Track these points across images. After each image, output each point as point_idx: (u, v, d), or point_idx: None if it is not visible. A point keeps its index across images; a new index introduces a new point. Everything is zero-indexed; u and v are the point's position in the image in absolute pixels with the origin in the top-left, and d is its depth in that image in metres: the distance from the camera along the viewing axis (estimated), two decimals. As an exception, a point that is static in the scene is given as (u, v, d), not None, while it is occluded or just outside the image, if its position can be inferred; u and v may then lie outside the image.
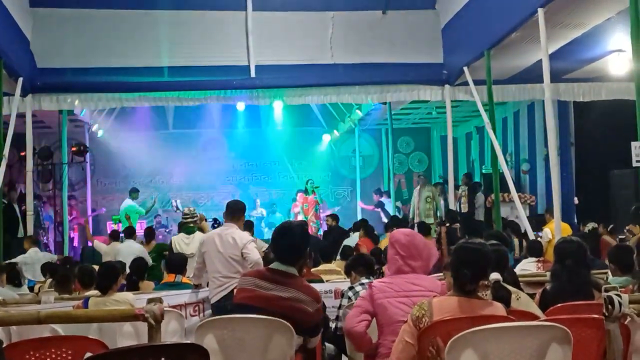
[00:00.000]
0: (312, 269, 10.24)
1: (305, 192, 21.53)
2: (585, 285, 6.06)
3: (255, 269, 7.06)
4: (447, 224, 14.91)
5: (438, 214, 19.11)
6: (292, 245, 5.58)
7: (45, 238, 17.68)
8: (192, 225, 11.48)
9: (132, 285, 9.49)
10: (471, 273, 4.65)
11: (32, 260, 13.04)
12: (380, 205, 21.81)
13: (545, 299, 6.08)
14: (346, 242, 13.84)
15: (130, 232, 14.54)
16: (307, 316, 5.38)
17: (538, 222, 14.74)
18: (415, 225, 16.16)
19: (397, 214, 20.81)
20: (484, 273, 4.75)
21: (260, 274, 5.64)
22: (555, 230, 11.21)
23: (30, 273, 12.33)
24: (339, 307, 7.02)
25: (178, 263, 9.48)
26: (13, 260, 11.98)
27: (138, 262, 10.58)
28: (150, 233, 15.00)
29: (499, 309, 4.69)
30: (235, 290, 6.00)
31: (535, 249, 10.39)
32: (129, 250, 13.62)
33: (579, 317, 5.11)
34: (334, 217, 17.50)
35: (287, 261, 5.52)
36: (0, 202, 12.81)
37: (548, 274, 6.80)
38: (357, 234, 14.71)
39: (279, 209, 23.26)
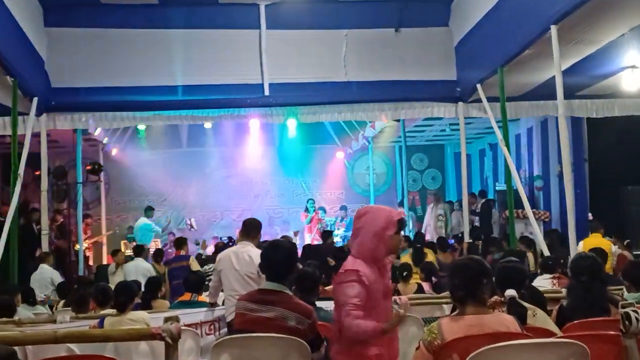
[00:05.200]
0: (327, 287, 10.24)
1: (306, 210, 21.63)
2: (601, 300, 6.06)
3: None
4: (470, 241, 14.93)
5: (448, 231, 19.12)
6: (281, 262, 5.57)
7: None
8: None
9: (145, 304, 9.50)
10: (478, 287, 4.66)
11: (40, 276, 13.14)
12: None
13: (561, 315, 6.07)
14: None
15: (139, 251, 14.60)
16: (298, 333, 5.31)
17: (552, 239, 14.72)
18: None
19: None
20: (485, 286, 4.73)
21: (250, 296, 5.63)
22: (570, 245, 11.15)
23: (38, 289, 12.41)
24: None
25: (195, 282, 9.50)
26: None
27: (152, 280, 10.62)
28: (159, 254, 15.09)
29: (508, 320, 4.67)
30: None
31: (549, 266, 10.33)
32: (137, 269, 13.70)
33: (597, 334, 5.10)
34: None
35: (276, 279, 5.52)
36: (16, 222, 12.83)
37: (564, 290, 6.79)
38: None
39: (292, 226, 23.27)
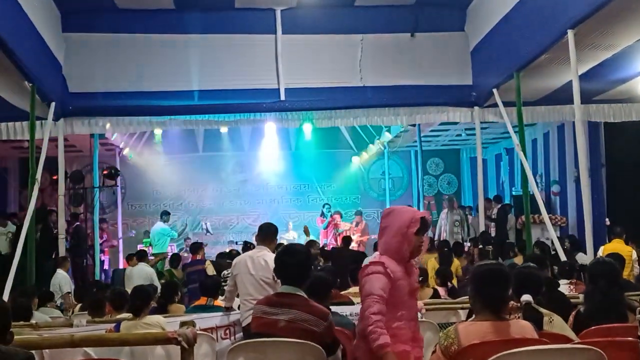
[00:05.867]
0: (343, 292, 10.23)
1: (322, 215, 21.63)
2: (618, 305, 6.03)
3: None
4: (480, 246, 14.85)
5: (465, 236, 19.07)
6: (296, 267, 5.57)
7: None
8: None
9: (161, 308, 9.52)
10: (498, 293, 4.65)
11: (54, 281, 13.20)
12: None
13: (578, 321, 6.04)
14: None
15: (141, 256, 14.64)
16: (314, 336, 5.30)
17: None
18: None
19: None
20: (506, 292, 4.75)
21: (267, 299, 5.63)
22: (587, 251, 11.10)
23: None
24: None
25: (211, 286, 9.52)
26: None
27: (168, 284, 10.65)
28: (177, 258, 15.12)
29: (526, 327, 4.67)
30: None
31: (566, 271, 10.28)
32: (140, 274, 13.73)
33: (614, 340, 5.08)
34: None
35: (292, 282, 5.52)
36: (33, 225, 12.89)
37: (581, 295, 6.77)
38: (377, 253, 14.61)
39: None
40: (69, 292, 13.00)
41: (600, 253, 11.57)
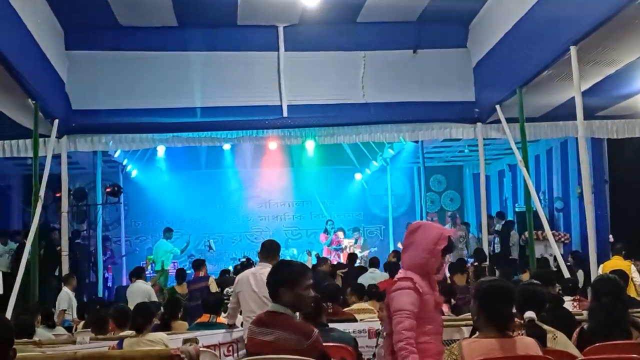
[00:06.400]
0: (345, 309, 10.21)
1: (326, 232, 21.62)
2: (622, 322, 6.01)
3: None
4: (475, 263, 14.81)
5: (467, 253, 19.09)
6: (280, 282, 5.28)
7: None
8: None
9: (165, 325, 9.49)
10: (502, 310, 4.64)
11: (60, 298, 13.17)
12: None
13: (582, 338, 6.02)
14: (368, 279, 13.62)
15: (138, 273, 14.61)
16: (300, 354, 5.10)
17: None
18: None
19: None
20: (510, 309, 4.75)
21: (257, 319, 5.47)
22: (591, 267, 11.07)
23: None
24: (376, 346, 6.96)
25: (213, 303, 9.50)
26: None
27: (171, 301, 10.63)
28: (182, 274, 15.08)
29: (530, 344, 4.66)
30: None
31: (570, 288, 10.25)
32: (137, 292, 13.69)
33: (618, 357, 5.06)
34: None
35: (278, 300, 5.27)
36: (37, 243, 12.89)
37: (585, 312, 6.75)
38: (375, 270, 14.59)
39: (312, 248, 23.25)
40: (64, 310, 12.95)
41: (600, 271, 11.53)
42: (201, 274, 14.69)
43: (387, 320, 5.16)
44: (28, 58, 12.16)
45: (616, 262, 12.58)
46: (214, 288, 13.39)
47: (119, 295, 16.73)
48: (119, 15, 14.64)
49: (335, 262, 18.86)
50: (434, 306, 5.14)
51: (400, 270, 5.27)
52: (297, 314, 5.34)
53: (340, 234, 21.73)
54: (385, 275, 13.54)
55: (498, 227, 18.58)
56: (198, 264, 15.01)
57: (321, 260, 16.00)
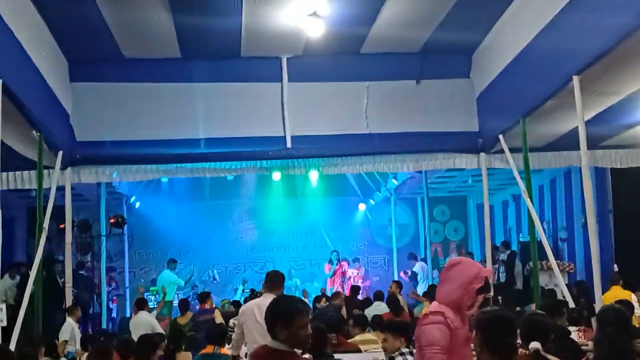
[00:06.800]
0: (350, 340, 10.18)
1: (330, 262, 21.60)
2: (626, 352, 5.97)
3: None
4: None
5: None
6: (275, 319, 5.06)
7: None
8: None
9: (169, 356, 9.46)
10: (506, 340, 4.63)
11: (63, 329, 13.14)
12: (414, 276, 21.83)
13: (588, 369, 6.00)
14: (373, 312, 13.61)
15: (141, 304, 14.57)
16: None
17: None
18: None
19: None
20: (514, 339, 4.74)
21: (253, 353, 5.37)
22: (595, 297, 11.03)
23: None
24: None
25: (217, 334, 9.48)
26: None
27: (175, 332, 10.60)
28: (185, 305, 15.04)
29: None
30: None
31: (574, 318, 10.21)
32: (140, 323, 13.65)
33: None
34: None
35: (272, 335, 5.09)
36: (40, 274, 12.87)
37: (590, 342, 6.72)
38: (381, 304, 14.57)
39: (316, 278, 23.23)
40: (65, 341, 12.92)
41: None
42: (207, 306, 14.65)
43: (417, 351, 5.26)
44: (33, 90, 12.20)
45: (616, 293, 12.55)
46: (219, 320, 13.36)
47: (122, 327, 16.68)
48: (123, 47, 14.70)
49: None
50: (464, 340, 5.18)
51: (433, 303, 5.36)
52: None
53: (345, 264, 21.72)
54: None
55: (503, 256, 18.51)
56: (204, 297, 14.98)
57: (335, 294, 15.94)
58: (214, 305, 15.34)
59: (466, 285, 5.18)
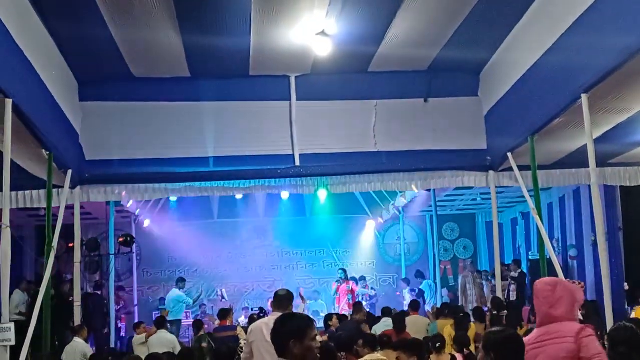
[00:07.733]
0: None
1: (339, 281, 21.56)
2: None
3: None
4: (494, 312, 14.65)
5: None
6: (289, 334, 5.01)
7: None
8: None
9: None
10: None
11: (71, 349, 13.14)
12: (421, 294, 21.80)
13: (600, 389, 5.95)
14: (382, 327, 13.52)
15: (160, 323, 14.56)
16: None
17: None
18: (470, 312, 15.94)
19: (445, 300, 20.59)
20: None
21: None
22: (606, 316, 10.97)
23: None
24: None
25: (226, 353, 9.47)
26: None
27: (185, 353, 10.59)
28: (198, 325, 15.03)
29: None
30: None
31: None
32: (161, 342, 13.64)
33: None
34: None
35: (279, 353, 5.05)
36: (49, 293, 12.87)
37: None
38: (389, 320, 14.50)
39: (323, 297, 23.17)
40: None
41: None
42: (227, 322, 14.68)
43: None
44: (42, 109, 12.24)
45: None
46: (243, 336, 13.26)
47: (131, 346, 16.66)
48: (132, 66, 14.75)
49: (344, 312, 18.77)
50: None
51: (564, 322, 5.68)
52: None
53: (352, 284, 21.65)
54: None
55: (514, 274, 18.46)
56: (224, 313, 15.02)
57: (356, 308, 15.75)
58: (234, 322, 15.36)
59: (574, 302, 5.77)
